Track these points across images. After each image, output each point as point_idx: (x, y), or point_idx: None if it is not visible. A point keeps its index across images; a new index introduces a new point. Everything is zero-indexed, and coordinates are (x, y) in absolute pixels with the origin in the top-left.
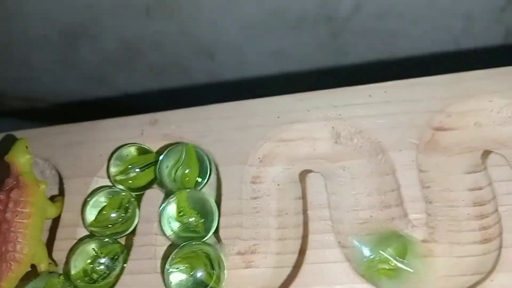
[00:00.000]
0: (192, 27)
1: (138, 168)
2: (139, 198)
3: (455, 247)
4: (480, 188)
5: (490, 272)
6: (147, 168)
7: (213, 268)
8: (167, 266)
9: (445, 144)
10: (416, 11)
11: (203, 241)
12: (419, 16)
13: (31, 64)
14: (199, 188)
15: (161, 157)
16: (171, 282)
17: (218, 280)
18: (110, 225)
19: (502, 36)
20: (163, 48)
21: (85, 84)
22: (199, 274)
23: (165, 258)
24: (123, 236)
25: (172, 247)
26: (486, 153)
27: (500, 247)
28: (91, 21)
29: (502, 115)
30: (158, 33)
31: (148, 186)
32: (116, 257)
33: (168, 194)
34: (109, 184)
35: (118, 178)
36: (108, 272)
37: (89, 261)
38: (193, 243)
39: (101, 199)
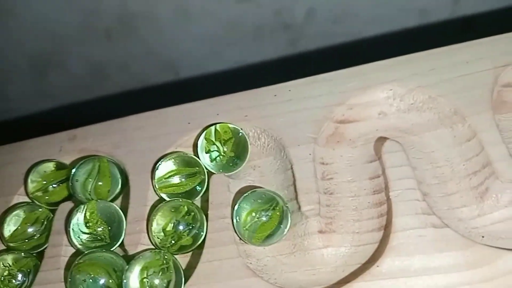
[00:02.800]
0: (154, 46)
1: (55, 184)
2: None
3: (354, 236)
4: (378, 176)
5: (378, 257)
6: (62, 183)
7: (116, 275)
8: (70, 273)
9: (350, 136)
10: (371, 11)
11: (111, 250)
12: (375, 16)
13: (7, 94)
14: (110, 199)
15: (72, 171)
16: None
17: (120, 286)
18: (26, 240)
19: (459, 29)
20: (129, 69)
21: (59, 111)
22: (102, 281)
23: (68, 268)
24: (40, 251)
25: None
26: (382, 140)
27: (390, 232)
28: (57, 48)
29: (405, 102)
30: (123, 54)
31: (65, 200)
32: (29, 270)
33: None
34: (28, 201)
35: (35, 194)
36: (19, 285)
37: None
38: (98, 251)
39: (18, 215)
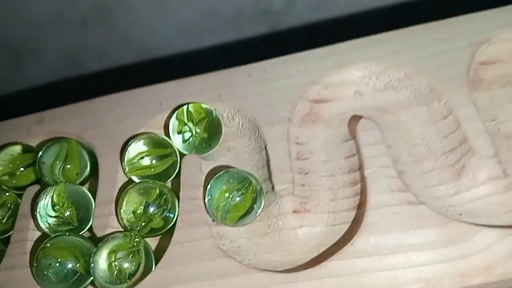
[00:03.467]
0: (131, 33)
1: (22, 167)
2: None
3: (330, 216)
4: (353, 155)
5: (352, 236)
6: (29, 167)
7: (83, 259)
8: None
9: (326, 115)
10: None
11: (80, 234)
12: (353, 2)
13: None
14: (78, 182)
15: (39, 154)
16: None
17: (88, 270)
18: None
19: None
20: (106, 57)
21: (36, 100)
22: (69, 265)
23: (34, 252)
24: (6, 236)
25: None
26: (357, 119)
27: (365, 210)
28: (32, 37)
29: (381, 81)
30: (99, 43)
31: (33, 184)
32: None
33: None
34: None
35: (1, 178)
36: None
37: None
38: (65, 234)
39: None
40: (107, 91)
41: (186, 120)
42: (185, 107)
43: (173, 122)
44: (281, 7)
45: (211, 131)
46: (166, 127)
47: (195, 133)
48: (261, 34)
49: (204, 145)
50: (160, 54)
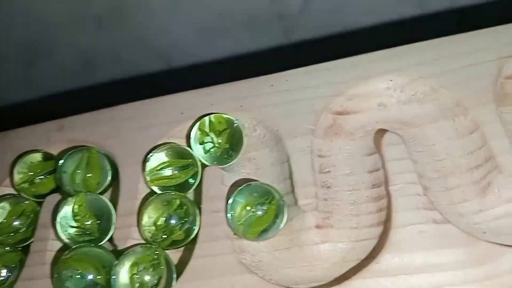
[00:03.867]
0: (146, 35)
1: (42, 175)
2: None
3: (352, 231)
4: (378, 170)
5: (377, 254)
6: (49, 175)
7: (104, 271)
8: (57, 269)
9: (349, 128)
10: (368, 1)
11: (100, 244)
12: (372, 6)
13: None
14: (99, 191)
15: (59, 162)
16: (65, 285)
17: (108, 282)
18: (11, 233)
19: (455, 20)
20: (120, 58)
21: (47, 100)
22: (90, 276)
23: (54, 262)
24: (26, 245)
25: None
26: (381, 133)
27: (389, 228)
28: (46, 36)
29: (405, 94)
30: (113, 43)
31: (52, 193)
32: (13, 265)
33: None
34: (14, 192)
35: (21, 186)
36: (4, 280)
37: None
38: (87, 245)
39: (3, 208)
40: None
41: (208, 131)
42: (207, 117)
43: (195, 133)
44: (297, 10)
45: (232, 142)
46: (188, 137)
47: (217, 144)
48: (277, 38)
49: (226, 156)
50: (174, 56)
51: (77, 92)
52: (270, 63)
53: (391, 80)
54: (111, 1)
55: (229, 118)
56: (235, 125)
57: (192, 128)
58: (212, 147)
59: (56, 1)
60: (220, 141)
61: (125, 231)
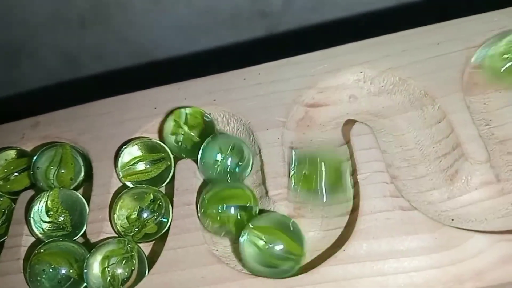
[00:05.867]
0: (129, 34)
1: (16, 172)
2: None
3: (323, 221)
4: (347, 160)
5: (345, 241)
6: (23, 172)
7: (77, 265)
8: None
9: (321, 120)
10: None
11: (73, 239)
12: (352, 3)
13: None
14: (73, 187)
15: (33, 159)
16: (38, 279)
17: (81, 276)
18: None
19: (436, 13)
20: (104, 58)
21: (31, 100)
22: (63, 270)
23: (28, 258)
24: (1, 241)
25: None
26: (351, 123)
27: (357, 216)
28: (29, 37)
29: (375, 85)
30: (96, 42)
31: (27, 189)
32: None
33: None
34: None
35: None
36: None
37: None
38: (59, 240)
39: None
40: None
41: (181, 123)
42: (182, 109)
43: (168, 124)
44: (279, 8)
45: (204, 135)
46: (161, 131)
47: (188, 136)
48: (258, 35)
49: (197, 149)
50: (157, 55)
51: (55, 88)
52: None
53: (361, 72)
54: (93, 2)
55: (202, 112)
56: (208, 119)
57: (165, 122)
58: (182, 139)
59: (38, 2)
60: (192, 134)
61: (98, 225)
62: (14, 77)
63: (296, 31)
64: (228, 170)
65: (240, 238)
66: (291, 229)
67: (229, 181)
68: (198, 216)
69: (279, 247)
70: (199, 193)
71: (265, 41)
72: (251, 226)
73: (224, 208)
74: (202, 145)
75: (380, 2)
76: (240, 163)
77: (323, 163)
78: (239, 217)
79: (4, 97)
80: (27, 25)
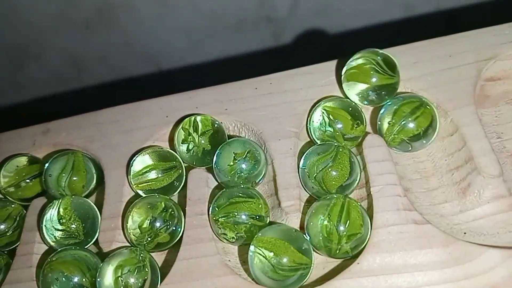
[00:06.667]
0: (134, 37)
1: (27, 179)
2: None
3: None
4: (361, 171)
5: (358, 254)
6: (35, 178)
7: (89, 274)
8: (42, 272)
9: None
10: (355, 4)
11: (85, 247)
12: (359, 9)
13: None
14: (84, 195)
15: (45, 166)
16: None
17: (94, 285)
18: None
19: (442, 23)
20: (108, 60)
21: (33, 104)
22: (75, 279)
23: (40, 266)
24: (11, 249)
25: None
26: (363, 135)
27: (371, 229)
28: (34, 39)
29: None
30: (102, 46)
31: (38, 196)
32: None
33: None
34: (0, 196)
35: (7, 190)
36: None
37: None
38: (72, 248)
39: None
40: (109, 97)
41: (191, 131)
42: (192, 117)
43: (179, 132)
44: (284, 13)
45: (215, 143)
46: (172, 140)
47: (199, 144)
48: (264, 40)
49: (208, 157)
50: (163, 58)
51: (61, 91)
52: (258, 65)
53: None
54: (99, 4)
55: (213, 120)
56: (218, 127)
57: (176, 130)
58: (193, 147)
59: (44, 4)
60: (202, 142)
61: (110, 233)
62: (18, 79)
63: (301, 36)
64: (242, 174)
65: (249, 249)
66: (299, 241)
67: (242, 186)
68: (210, 224)
69: (286, 260)
70: (211, 201)
71: (270, 45)
72: (259, 236)
73: (236, 216)
74: (218, 149)
75: (386, 13)
76: (255, 168)
77: None
78: (250, 225)
79: (8, 99)
80: (32, 27)
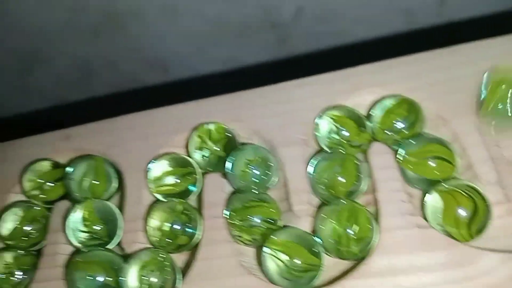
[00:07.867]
0: (142, 42)
1: (50, 182)
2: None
3: None
4: (367, 177)
5: (367, 256)
6: (57, 182)
7: (114, 273)
8: (69, 271)
9: None
10: (358, 10)
11: (107, 248)
12: (363, 16)
13: None
14: (105, 198)
15: (68, 170)
16: (77, 286)
17: (118, 284)
18: (25, 238)
19: (442, 29)
20: (116, 66)
21: (46, 109)
22: (100, 278)
23: (66, 265)
24: (38, 249)
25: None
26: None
27: (378, 232)
28: (43, 45)
29: None
30: (110, 51)
31: (61, 199)
32: (28, 268)
33: None
34: (24, 199)
35: (31, 193)
36: (19, 282)
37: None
38: (96, 249)
39: (15, 214)
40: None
41: (205, 138)
42: (206, 125)
43: (193, 139)
44: (289, 19)
45: (228, 150)
46: (187, 146)
47: (213, 151)
48: (270, 47)
49: (222, 163)
50: (170, 64)
51: (76, 101)
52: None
53: (377, 92)
54: (108, 11)
55: (226, 127)
56: (231, 134)
57: (190, 136)
58: (209, 154)
59: (53, 10)
60: (217, 148)
61: (132, 235)
62: (27, 84)
63: (305, 42)
64: (255, 180)
65: (262, 251)
66: (311, 243)
67: (255, 191)
68: (227, 227)
69: (298, 261)
70: (227, 205)
71: (275, 51)
72: (273, 239)
73: (251, 220)
74: (230, 154)
75: (389, 20)
76: (266, 173)
77: None
78: (264, 228)
79: (17, 104)
80: (42, 33)
